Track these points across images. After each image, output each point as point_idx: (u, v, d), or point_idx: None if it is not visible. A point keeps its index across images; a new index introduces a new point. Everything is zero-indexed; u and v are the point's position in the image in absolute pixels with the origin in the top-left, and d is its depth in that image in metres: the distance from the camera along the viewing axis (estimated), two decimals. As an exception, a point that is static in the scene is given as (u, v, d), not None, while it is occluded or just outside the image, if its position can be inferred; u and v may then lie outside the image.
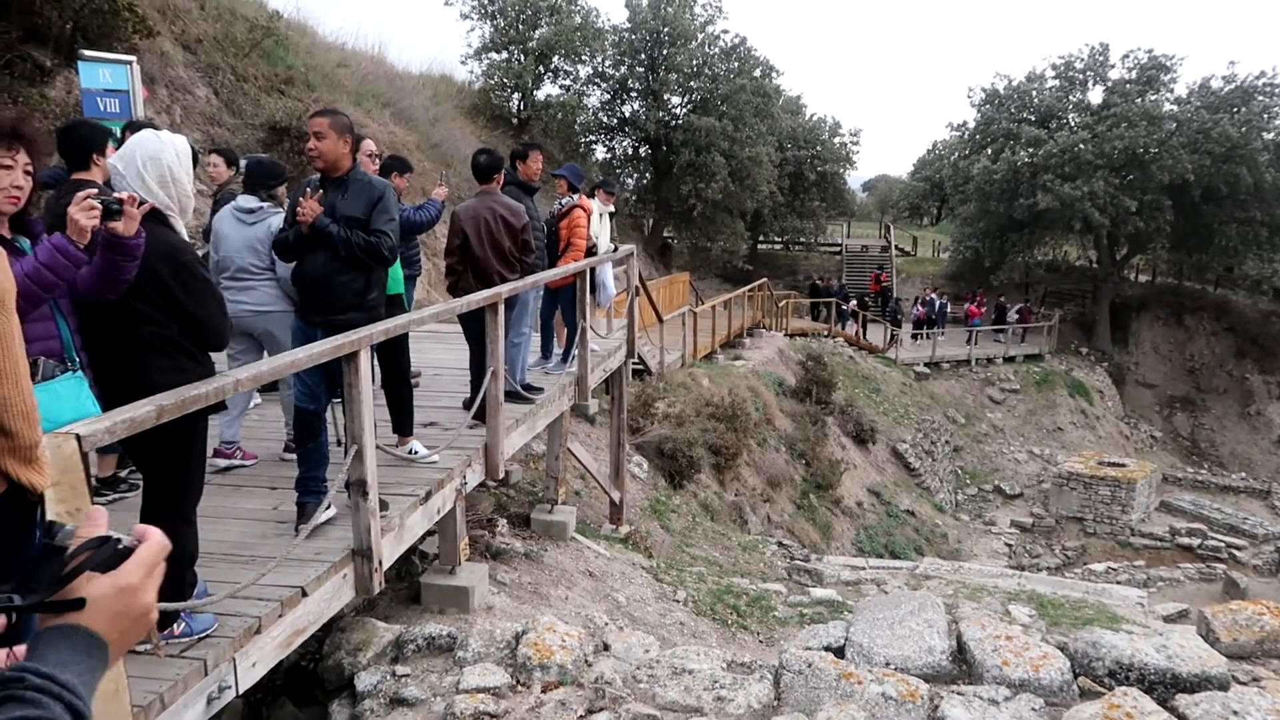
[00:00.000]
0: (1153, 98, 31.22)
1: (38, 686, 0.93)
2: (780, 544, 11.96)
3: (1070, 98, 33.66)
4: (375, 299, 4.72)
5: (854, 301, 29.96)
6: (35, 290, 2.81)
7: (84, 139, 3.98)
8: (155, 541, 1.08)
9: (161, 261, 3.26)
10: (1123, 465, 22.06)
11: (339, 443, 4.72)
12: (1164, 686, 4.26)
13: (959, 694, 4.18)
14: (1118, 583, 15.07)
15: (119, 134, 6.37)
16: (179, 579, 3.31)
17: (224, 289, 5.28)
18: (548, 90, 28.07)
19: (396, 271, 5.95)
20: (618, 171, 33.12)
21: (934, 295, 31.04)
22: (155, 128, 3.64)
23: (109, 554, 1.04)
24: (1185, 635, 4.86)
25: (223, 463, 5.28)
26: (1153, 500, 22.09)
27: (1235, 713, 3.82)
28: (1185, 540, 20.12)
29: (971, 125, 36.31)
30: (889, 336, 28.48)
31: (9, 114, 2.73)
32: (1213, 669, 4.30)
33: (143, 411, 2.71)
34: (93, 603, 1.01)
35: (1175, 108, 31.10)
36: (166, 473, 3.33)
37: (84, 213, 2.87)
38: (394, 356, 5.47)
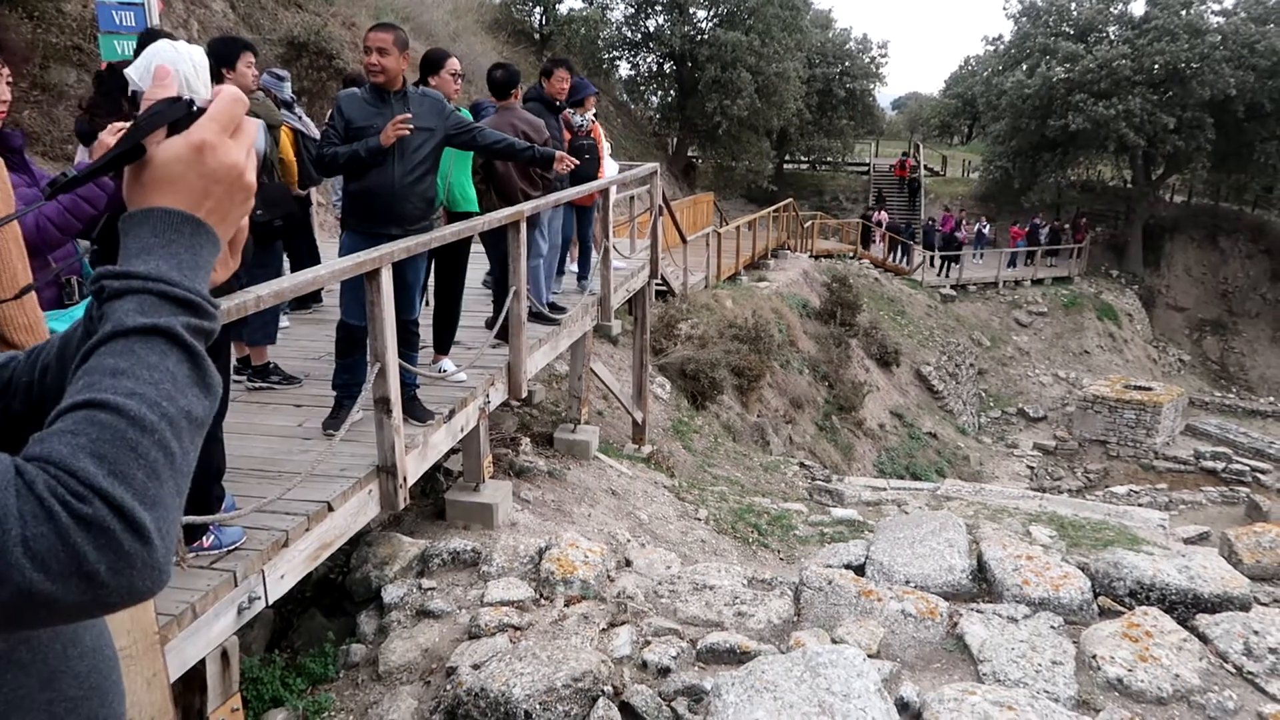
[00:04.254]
0: (1199, 8, 29.99)
1: (115, 291, 0.82)
2: (802, 465, 12.02)
3: (1111, 9, 32.37)
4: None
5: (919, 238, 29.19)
6: (72, 222, 2.78)
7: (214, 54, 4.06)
8: (228, 93, 0.93)
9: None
10: (1149, 389, 21.87)
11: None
12: (1185, 606, 4.27)
13: (978, 611, 4.21)
14: (1139, 505, 15.07)
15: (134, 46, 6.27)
16: (206, 493, 3.36)
17: None
18: (570, 4, 27.48)
19: (470, 190, 5.84)
20: (641, 89, 32.48)
21: (982, 224, 30.40)
22: (172, 37, 3.56)
23: (181, 112, 0.90)
24: (1207, 556, 4.86)
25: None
26: (1178, 424, 21.94)
27: (1256, 632, 3.83)
28: (1209, 464, 20.02)
29: (1007, 39, 35.13)
30: (923, 259, 27.94)
31: None
32: (1235, 590, 4.30)
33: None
34: (166, 168, 0.87)
35: (1220, 20, 29.87)
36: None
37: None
38: (454, 272, 5.49)
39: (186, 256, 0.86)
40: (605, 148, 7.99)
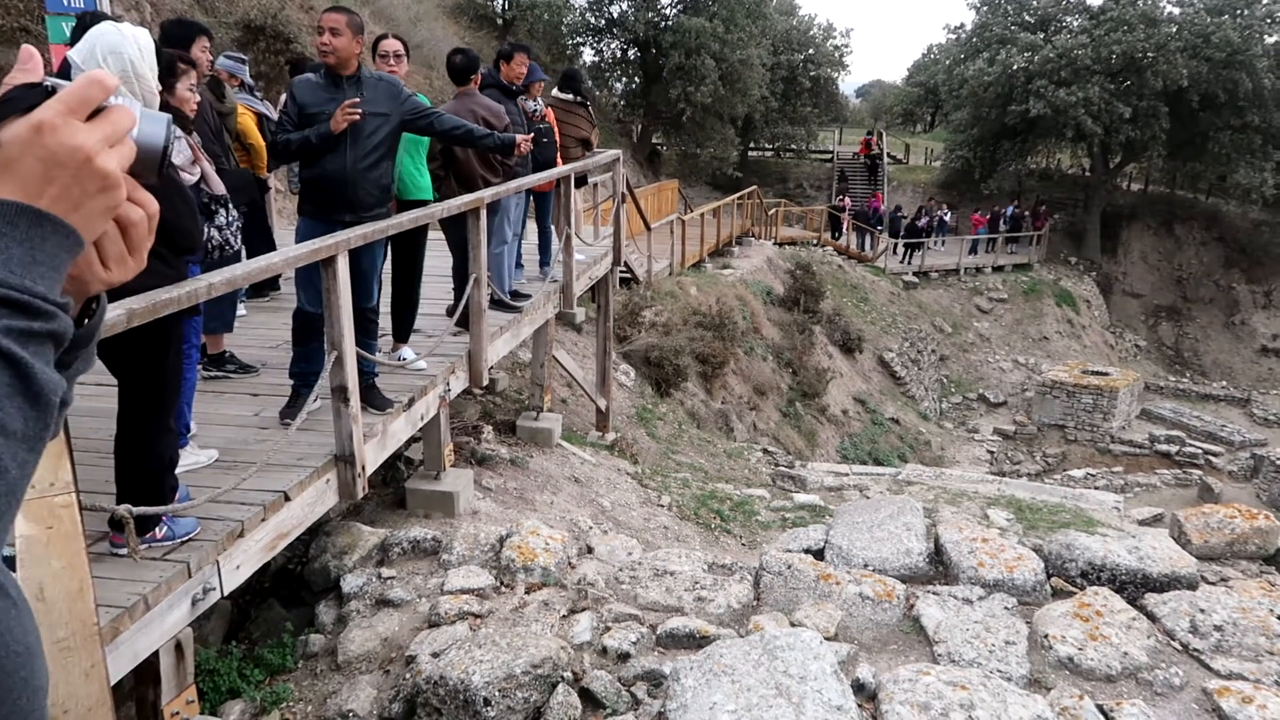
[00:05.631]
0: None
1: None
2: (765, 451, 12.09)
3: (1070, -1, 32.79)
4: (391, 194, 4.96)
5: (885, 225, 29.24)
6: None
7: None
8: (86, 75, 0.83)
9: (127, 162, 3.16)
10: (1106, 374, 22.26)
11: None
12: (1134, 586, 4.37)
13: (934, 593, 4.28)
14: (1096, 488, 15.36)
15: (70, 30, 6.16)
16: (160, 483, 3.31)
17: None
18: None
19: (422, 178, 5.81)
20: (605, 75, 32.35)
21: (944, 212, 30.62)
22: (117, 20, 3.49)
23: (40, 98, 0.81)
24: (1157, 537, 4.97)
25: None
26: (1134, 408, 22.36)
27: (1202, 611, 3.92)
28: (1164, 447, 20.44)
29: (969, 27, 35.41)
30: (886, 246, 28.09)
31: None
32: (1182, 569, 4.41)
33: (112, 315, 2.66)
34: (2, 151, 0.79)
35: (1177, 10, 30.33)
36: (142, 378, 3.29)
37: None
38: (412, 259, 5.48)
39: (18, 251, 0.76)
40: (596, 134, 8.20)
